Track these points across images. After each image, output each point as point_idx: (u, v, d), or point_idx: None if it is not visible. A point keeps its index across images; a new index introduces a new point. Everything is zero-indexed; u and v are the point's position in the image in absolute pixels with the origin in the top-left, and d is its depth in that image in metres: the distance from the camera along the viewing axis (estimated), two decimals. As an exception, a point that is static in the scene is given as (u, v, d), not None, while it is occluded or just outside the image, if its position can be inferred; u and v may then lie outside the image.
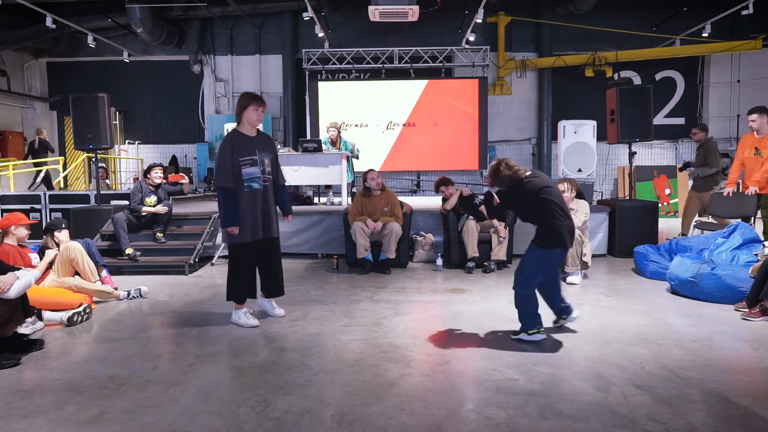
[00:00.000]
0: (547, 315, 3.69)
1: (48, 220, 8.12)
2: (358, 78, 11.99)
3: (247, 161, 3.87)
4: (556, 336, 3.63)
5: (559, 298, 3.74)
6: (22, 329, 3.66)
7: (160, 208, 6.35)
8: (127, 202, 6.74)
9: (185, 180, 6.78)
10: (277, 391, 2.79)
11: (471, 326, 3.89)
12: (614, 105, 6.85)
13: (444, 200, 6.29)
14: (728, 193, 5.94)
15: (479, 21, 9.58)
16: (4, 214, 8.22)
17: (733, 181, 5.98)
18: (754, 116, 5.74)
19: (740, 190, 5.99)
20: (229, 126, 9.10)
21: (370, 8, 8.60)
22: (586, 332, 3.71)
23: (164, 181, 6.64)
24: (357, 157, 8.51)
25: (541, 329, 3.54)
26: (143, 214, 6.34)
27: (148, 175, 6.53)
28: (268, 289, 4.21)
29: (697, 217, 7.22)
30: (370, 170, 6.21)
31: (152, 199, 6.43)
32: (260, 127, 4.16)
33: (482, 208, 6.03)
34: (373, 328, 3.86)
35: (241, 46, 12.57)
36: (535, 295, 3.59)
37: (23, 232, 4.36)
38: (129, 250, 6.03)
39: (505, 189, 3.67)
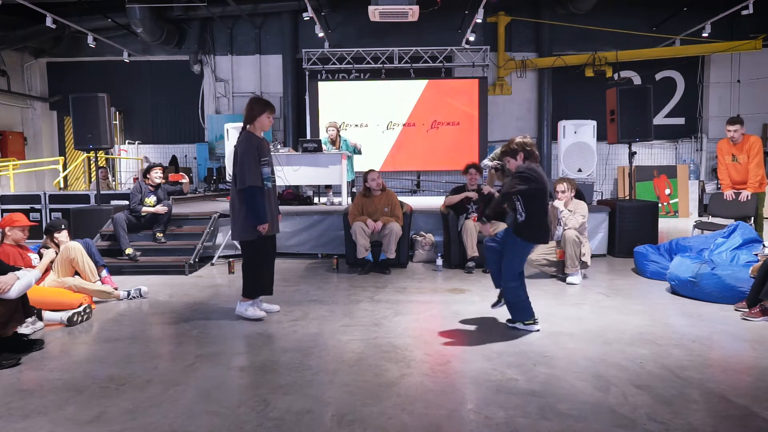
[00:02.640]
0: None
1: (48, 220, 8.13)
2: (358, 78, 11.98)
3: (265, 161, 4.07)
4: (556, 336, 3.64)
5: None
6: (22, 329, 3.66)
7: (160, 208, 6.35)
8: (127, 202, 6.74)
9: (185, 180, 6.78)
10: (277, 391, 2.79)
11: (471, 326, 3.89)
12: (614, 105, 6.85)
13: (457, 191, 6.25)
14: (729, 196, 5.97)
15: (479, 21, 9.58)
16: (5, 214, 8.26)
17: (728, 185, 6.03)
18: (736, 126, 5.88)
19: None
20: (230, 126, 9.09)
21: (370, 8, 8.60)
22: (586, 332, 3.71)
23: (164, 181, 6.64)
24: (360, 152, 8.52)
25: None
26: (143, 214, 6.34)
27: (148, 176, 6.53)
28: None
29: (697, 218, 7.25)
30: (371, 170, 6.21)
31: (152, 199, 6.43)
32: None
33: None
34: (373, 328, 3.86)
35: (241, 46, 12.57)
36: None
37: (18, 234, 4.34)
38: (129, 250, 6.03)
39: (523, 172, 3.63)
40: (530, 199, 3.64)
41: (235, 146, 4.10)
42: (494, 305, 3.95)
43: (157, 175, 6.51)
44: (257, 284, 4.18)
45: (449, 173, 12.16)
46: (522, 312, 3.76)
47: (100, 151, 7.17)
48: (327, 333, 3.77)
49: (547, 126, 12.20)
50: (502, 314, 4.11)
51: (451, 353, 3.36)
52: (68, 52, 12.64)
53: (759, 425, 2.39)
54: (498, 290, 3.93)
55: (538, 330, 3.72)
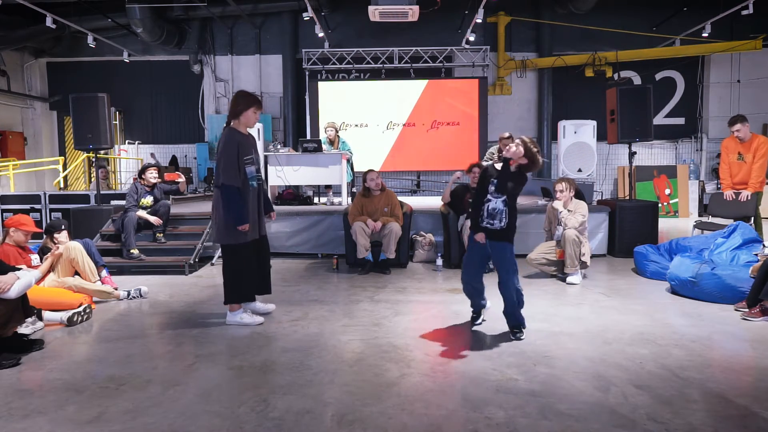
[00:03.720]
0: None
1: (48, 220, 8.13)
2: (358, 78, 11.98)
3: (249, 160, 3.90)
4: (556, 336, 3.64)
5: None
6: (22, 329, 3.66)
7: (154, 220, 6.26)
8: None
9: (182, 179, 6.76)
10: (277, 391, 2.79)
11: (471, 326, 3.89)
12: (614, 105, 6.85)
13: (460, 190, 6.27)
14: (729, 196, 5.97)
15: (479, 21, 9.58)
16: (5, 214, 8.26)
17: (729, 184, 6.03)
18: (737, 126, 5.86)
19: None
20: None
21: (370, 8, 8.60)
22: (586, 332, 3.71)
23: (159, 180, 6.61)
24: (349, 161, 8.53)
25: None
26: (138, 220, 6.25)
27: (143, 176, 6.51)
28: (259, 287, 4.22)
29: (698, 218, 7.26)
30: (370, 170, 6.21)
31: (148, 199, 6.41)
32: None
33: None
34: (373, 328, 3.86)
35: (241, 46, 12.57)
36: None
37: (21, 237, 4.33)
38: (134, 251, 6.03)
39: (518, 172, 3.58)
40: (514, 198, 3.63)
41: (217, 143, 3.96)
42: (476, 322, 3.90)
43: (152, 176, 6.47)
44: (239, 290, 3.98)
45: (449, 173, 12.11)
46: (520, 318, 3.64)
47: (100, 152, 7.15)
48: (327, 333, 3.77)
49: (547, 126, 12.20)
50: (502, 314, 4.10)
51: (451, 353, 3.35)
52: (68, 52, 12.64)
53: (759, 425, 2.39)
54: (474, 310, 3.92)
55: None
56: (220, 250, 6.59)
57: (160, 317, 4.33)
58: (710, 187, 11.86)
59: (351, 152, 8.40)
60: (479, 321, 3.92)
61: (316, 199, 8.98)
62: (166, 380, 2.96)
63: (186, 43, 12.48)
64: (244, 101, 3.93)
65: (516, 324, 3.65)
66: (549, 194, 7.41)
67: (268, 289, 4.30)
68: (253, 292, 4.13)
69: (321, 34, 10.96)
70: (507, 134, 7.71)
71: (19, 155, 12.24)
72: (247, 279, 4.01)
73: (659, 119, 12.22)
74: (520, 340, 3.55)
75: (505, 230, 3.61)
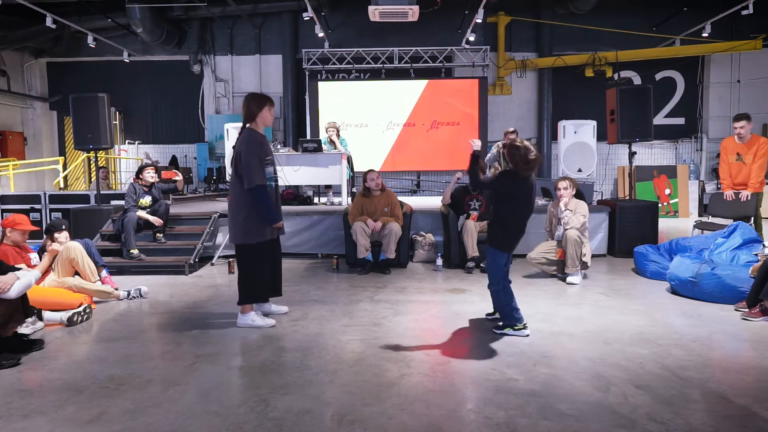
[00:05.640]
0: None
1: (48, 220, 8.14)
2: (358, 78, 11.99)
3: (269, 160, 3.91)
4: (556, 336, 3.64)
5: None
6: (22, 329, 3.66)
7: (155, 220, 6.26)
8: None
9: (179, 177, 6.74)
10: (277, 391, 2.79)
11: (471, 326, 3.90)
12: (614, 105, 6.85)
13: (460, 191, 6.27)
14: (729, 196, 5.97)
15: (479, 21, 9.58)
16: (5, 214, 8.26)
17: (728, 184, 6.02)
18: (742, 123, 5.82)
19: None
20: (230, 126, 9.08)
21: (370, 8, 8.60)
22: (586, 332, 3.72)
23: (157, 180, 6.60)
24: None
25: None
26: (138, 220, 6.25)
27: (141, 176, 6.50)
28: (271, 289, 4.21)
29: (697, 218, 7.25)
30: (370, 170, 6.21)
31: (147, 199, 6.40)
32: None
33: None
34: (373, 328, 3.86)
35: (241, 46, 12.58)
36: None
37: (17, 237, 4.34)
38: (134, 251, 6.03)
39: (505, 171, 3.72)
40: (502, 202, 3.70)
41: (234, 145, 3.93)
42: (488, 314, 4.07)
43: (149, 175, 6.46)
44: (254, 291, 3.97)
45: (449, 173, 12.15)
46: (508, 318, 3.68)
47: (101, 151, 7.15)
48: (327, 333, 3.77)
49: (547, 126, 12.19)
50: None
51: (451, 353, 3.36)
52: (68, 52, 12.64)
53: (759, 425, 2.39)
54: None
55: (527, 335, 3.61)
56: (220, 249, 6.62)
57: (160, 317, 4.33)
58: (710, 187, 11.86)
59: (348, 150, 8.40)
60: (493, 315, 4.01)
61: (316, 199, 8.98)
62: (166, 380, 2.96)
63: (186, 43, 12.48)
64: (256, 102, 3.90)
65: (502, 320, 3.74)
66: (549, 194, 7.41)
67: (279, 291, 4.27)
68: (267, 292, 4.11)
69: (321, 34, 10.96)
70: (512, 129, 7.68)
71: (19, 155, 12.24)
72: (261, 279, 3.99)
73: (659, 119, 12.22)
74: (497, 332, 3.68)
75: (489, 227, 3.84)
